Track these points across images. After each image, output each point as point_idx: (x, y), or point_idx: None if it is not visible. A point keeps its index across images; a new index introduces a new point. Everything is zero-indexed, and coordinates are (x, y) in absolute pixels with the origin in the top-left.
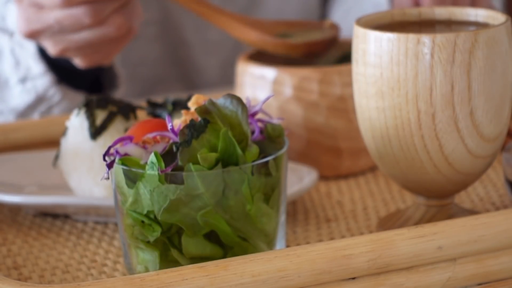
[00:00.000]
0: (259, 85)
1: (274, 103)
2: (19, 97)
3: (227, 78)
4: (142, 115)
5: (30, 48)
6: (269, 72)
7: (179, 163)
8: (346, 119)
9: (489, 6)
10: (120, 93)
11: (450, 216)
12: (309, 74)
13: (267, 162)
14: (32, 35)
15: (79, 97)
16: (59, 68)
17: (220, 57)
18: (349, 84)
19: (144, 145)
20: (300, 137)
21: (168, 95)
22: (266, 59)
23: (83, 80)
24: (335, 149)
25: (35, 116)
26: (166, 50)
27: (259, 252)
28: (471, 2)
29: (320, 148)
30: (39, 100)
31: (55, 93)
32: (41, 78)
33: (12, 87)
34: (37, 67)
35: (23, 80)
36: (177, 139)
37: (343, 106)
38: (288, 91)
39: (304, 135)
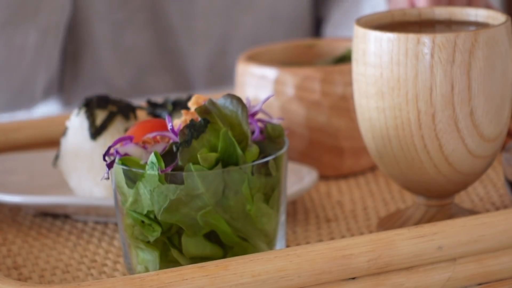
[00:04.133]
0: (260, 85)
1: (276, 103)
2: None
3: (215, 68)
4: (142, 115)
5: None
6: (270, 72)
7: (179, 163)
8: (348, 118)
9: (487, 6)
10: (112, 77)
11: (450, 216)
12: (311, 73)
13: (267, 162)
14: None
15: None
16: None
17: (207, 47)
18: (351, 83)
19: (144, 145)
20: (302, 137)
21: (159, 85)
22: (266, 59)
23: None
24: (337, 149)
25: None
26: (154, 37)
27: (259, 252)
28: (468, 3)
29: (322, 147)
30: None
31: None
32: None
33: None
34: None
35: None
36: (177, 139)
37: (345, 106)
38: (290, 90)
39: (306, 134)
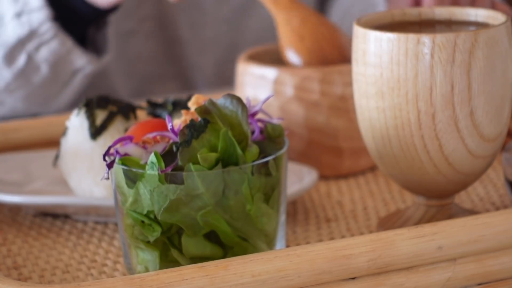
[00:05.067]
0: (260, 85)
1: (275, 103)
2: (11, 30)
3: (222, 76)
4: (142, 115)
5: None
6: (270, 72)
7: (179, 163)
8: (347, 118)
9: (492, 4)
10: (117, 88)
11: (450, 216)
12: (310, 74)
13: (267, 162)
14: None
15: (69, 42)
16: (58, 8)
17: (214, 55)
18: (350, 83)
19: (144, 145)
20: (301, 137)
21: (165, 94)
22: (266, 59)
23: (77, 24)
24: (336, 149)
25: (22, 58)
26: (161, 47)
27: (259, 252)
28: (472, 2)
29: (321, 147)
30: (31, 34)
31: (48, 30)
32: (37, 12)
33: (7, 23)
34: (35, 1)
35: (19, 14)
36: (177, 139)
37: (344, 106)
38: (289, 91)
39: (305, 135)
